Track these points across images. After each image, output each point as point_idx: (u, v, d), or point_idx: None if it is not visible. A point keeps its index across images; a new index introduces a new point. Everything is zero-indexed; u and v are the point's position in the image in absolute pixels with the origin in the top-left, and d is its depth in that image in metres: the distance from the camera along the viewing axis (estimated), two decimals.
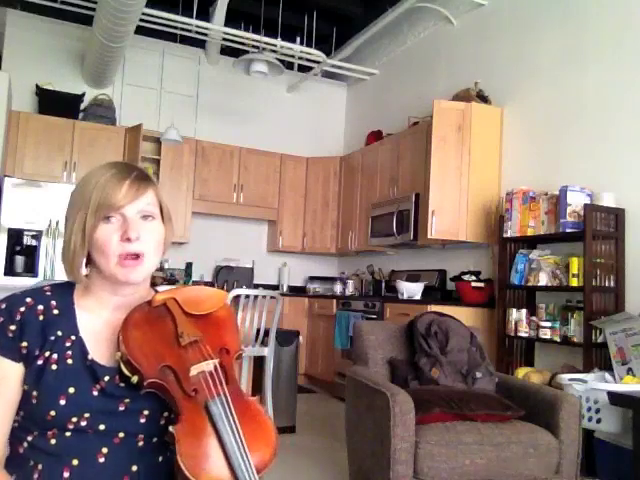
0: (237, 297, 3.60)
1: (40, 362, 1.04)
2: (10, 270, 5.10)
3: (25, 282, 4.87)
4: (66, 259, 1.10)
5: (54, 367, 1.04)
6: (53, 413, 1.01)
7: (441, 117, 4.49)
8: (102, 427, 1.02)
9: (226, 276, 6.19)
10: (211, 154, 6.18)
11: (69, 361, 1.05)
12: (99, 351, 1.09)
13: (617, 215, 3.55)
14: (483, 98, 4.59)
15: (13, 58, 5.65)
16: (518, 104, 4.46)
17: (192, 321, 1.10)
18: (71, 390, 1.02)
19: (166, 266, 5.94)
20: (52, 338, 1.06)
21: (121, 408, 1.04)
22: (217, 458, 0.95)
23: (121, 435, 1.03)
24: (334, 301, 5.56)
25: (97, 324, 1.11)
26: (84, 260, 1.10)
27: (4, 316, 1.06)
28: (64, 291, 1.13)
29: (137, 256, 1.07)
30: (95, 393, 1.04)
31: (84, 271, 1.12)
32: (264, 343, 3.73)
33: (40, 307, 1.08)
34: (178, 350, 1.05)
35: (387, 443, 2.22)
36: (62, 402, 1.01)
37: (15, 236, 5.13)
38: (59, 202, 5.23)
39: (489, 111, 4.55)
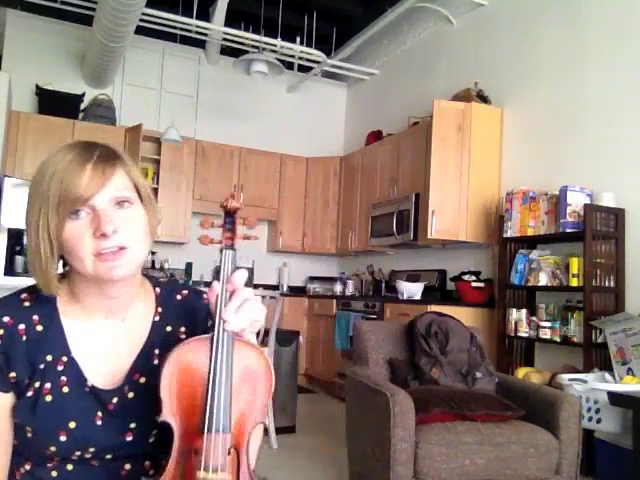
0: None
1: (30, 393, 0.91)
2: (10, 270, 5.10)
3: (25, 282, 4.87)
4: (36, 271, 0.92)
5: (48, 398, 0.91)
6: (53, 449, 0.90)
7: (441, 117, 4.49)
8: (109, 457, 0.94)
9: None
10: (211, 154, 6.18)
11: (65, 389, 0.92)
12: (98, 372, 0.96)
13: (617, 215, 3.55)
14: (483, 98, 4.59)
15: (13, 58, 5.64)
16: (518, 104, 4.46)
17: None
18: (72, 425, 0.90)
19: (166, 266, 5.94)
20: (42, 366, 0.92)
21: (129, 438, 0.94)
22: None
23: (127, 467, 0.96)
24: (334, 301, 5.56)
25: (90, 338, 0.96)
26: (58, 267, 0.94)
27: None
28: (47, 300, 0.95)
29: (119, 248, 0.90)
30: (99, 423, 0.93)
31: (59, 270, 0.96)
32: (264, 343, 3.73)
33: (21, 326, 0.93)
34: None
35: (387, 443, 2.22)
36: (62, 438, 0.90)
37: (15, 236, 5.13)
38: None
39: (489, 111, 4.55)
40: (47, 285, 0.92)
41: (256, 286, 6.24)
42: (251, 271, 6.44)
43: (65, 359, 0.94)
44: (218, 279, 0.93)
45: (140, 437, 0.95)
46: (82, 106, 5.78)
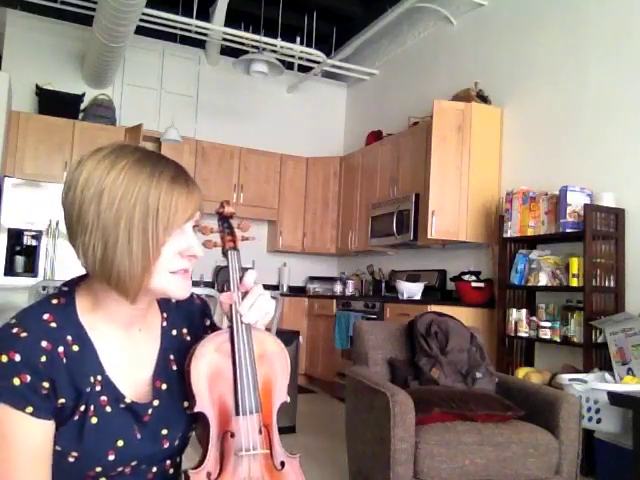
0: None
1: (76, 418, 0.90)
2: (10, 270, 5.10)
3: (25, 282, 4.87)
4: (134, 277, 0.89)
5: (94, 420, 0.90)
6: (99, 469, 0.91)
7: (441, 117, 4.49)
8: (143, 467, 0.98)
9: (226, 276, 6.18)
10: (211, 154, 6.18)
11: (107, 409, 0.92)
12: (129, 386, 0.97)
13: (617, 215, 3.55)
14: (483, 98, 4.59)
15: (13, 58, 5.65)
16: (518, 104, 4.46)
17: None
18: (120, 443, 0.92)
19: None
20: (88, 389, 0.91)
21: (165, 445, 0.99)
22: None
23: (154, 470, 1.00)
24: (334, 301, 5.56)
25: (115, 350, 0.96)
26: None
27: (28, 372, 0.84)
28: (68, 316, 0.93)
29: (187, 270, 0.96)
30: (139, 436, 0.95)
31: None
32: None
33: (61, 349, 0.89)
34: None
35: (387, 443, 2.22)
36: (111, 457, 0.91)
37: (15, 236, 5.13)
38: (59, 202, 5.23)
39: (489, 111, 4.55)
40: (135, 293, 0.91)
41: None
42: None
43: (100, 378, 0.93)
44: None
45: (172, 442, 1.00)
46: (82, 106, 5.78)
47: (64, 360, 0.88)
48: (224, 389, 0.98)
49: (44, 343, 0.87)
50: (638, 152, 3.51)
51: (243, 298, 1.01)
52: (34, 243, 5.18)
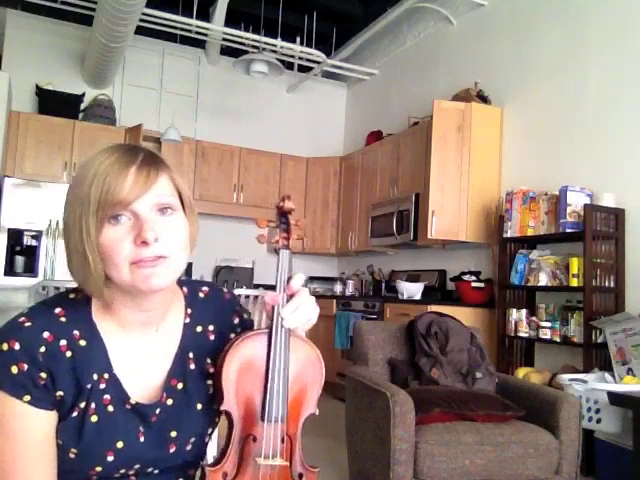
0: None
1: (75, 414, 0.88)
2: (10, 270, 5.10)
3: (25, 282, 4.88)
4: (87, 276, 0.86)
5: (94, 419, 0.88)
6: (99, 469, 0.89)
7: (441, 117, 4.49)
8: (149, 470, 0.94)
9: (226, 276, 6.19)
10: (211, 154, 6.18)
11: (110, 408, 0.90)
12: (138, 386, 0.94)
13: (617, 215, 3.54)
14: (483, 98, 4.59)
15: (13, 58, 5.64)
16: (518, 104, 4.45)
17: None
18: (119, 445, 0.89)
19: None
20: (89, 386, 0.88)
21: (172, 450, 0.95)
22: None
23: (156, 472, 0.96)
24: (334, 301, 5.55)
25: (127, 352, 0.93)
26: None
27: (26, 361, 0.84)
28: (81, 313, 0.91)
29: (158, 257, 0.86)
30: (142, 439, 0.92)
31: None
32: None
33: (63, 342, 0.87)
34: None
35: (387, 443, 2.22)
36: (110, 458, 0.88)
37: (15, 236, 5.13)
38: (59, 202, 5.21)
39: (489, 111, 4.55)
40: (99, 289, 0.87)
41: (256, 286, 6.24)
42: (251, 271, 6.45)
43: (107, 376, 0.91)
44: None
45: (181, 446, 0.96)
46: (82, 106, 5.79)
47: (67, 353, 0.87)
48: (253, 391, 0.95)
49: (46, 334, 0.86)
50: (638, 152, 3.51)
51: (288, 301, 0.97)
52: (34, 243, 5.18)
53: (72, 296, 0.93)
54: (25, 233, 5.17)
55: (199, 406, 0.97)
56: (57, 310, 0.90)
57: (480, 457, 2.24)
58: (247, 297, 3.62)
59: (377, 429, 2.34)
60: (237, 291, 3.62)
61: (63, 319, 0.89)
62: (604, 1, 3.85)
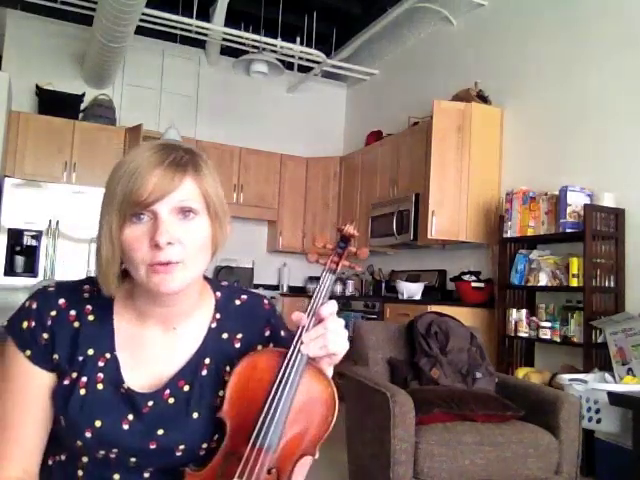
0: None
1: (67, 382, 0.91)
2: (10, 270, 5.10)
3: (25, 282, 4.88)
4: (98, 270, 0.90)
5: (82, 392, 0.91)
6: (79, 443, 0.90)
7: (441, 117, 4.49)
8: (133, 459, 0.92)
9: (226, 276, 6.19)
10: (211, 154, 6.16)
11: (99, 386, 0.91)
12: (137, 374, 0.94)
13: (617, 215, 3.54)
14: (483, 98, 4.59)
15: (13, 58, 5.64)
16: (518, 104, 4.45)
17: None
18: (98, 423, 0.89)
19: None
20: (80, 358, 0.92)
21: (152, 446, 0.91)
22: None
23: (150, 469, 0.94)
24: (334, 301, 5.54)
25: (137, 340, 0.95)
26: (118, 270, 0.90)
27: (35, 320, 0.92)
28: (104, 294, 0.94)
29: (169, 264, 0.86)
30: (126, 427, 0.91)
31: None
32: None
33: (72, 312, 0.93)
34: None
35: (387, 443, 2.22)
36: (88, 435, 0.89)
37: (15, 236, 5.13)
38: (59, 202, 5.23)
39: (489, 111, 4.55)
40: (106, 286, 0.91)
41: (256, 286, 6.25)
42: (251, 271, 6.45)
43: (108, 356, 0.93)
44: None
45: (165, 447, 0.92)
46: (82, 106, 5.78)
47: (75, 324, 0.93)
48: (252, 409, 0.90)
49: (61, 301, 0.94)
50: (638, 152, 3.51)
51: (316, 325, 0.92)
52: (34, 243, 5.17)
53: None
54: (25, 233, 5.16)
55: (195, 414, 0.94)
56: (86, 286, 0.97)
57: (480, 457, 2.24)
58: None
59: (377, 429, 2.34)
60: None
61: (86, 294, 0.96)
62: (604, 1, 3.85)
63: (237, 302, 1.04)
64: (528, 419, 2.43)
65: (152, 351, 0.95)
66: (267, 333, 1.04)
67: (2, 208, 5.10)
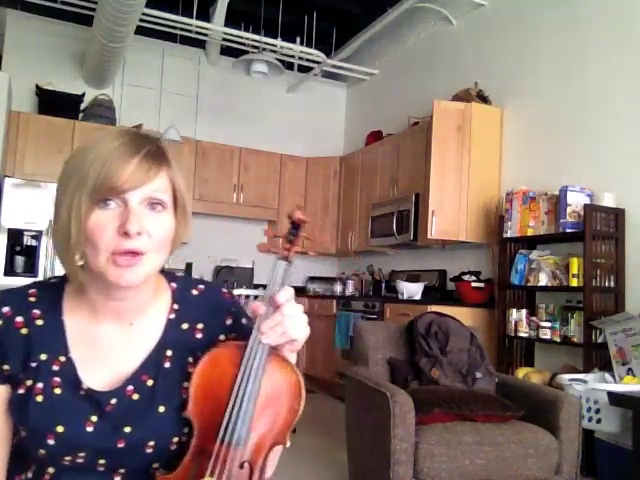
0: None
1: (22, 391, 0.88)
2: (10, 270, 5.10)
3: (25, 282, 4.86)
4: (63, 251, 0.88)
5: (39, 399, 0.88)
6: (43, 452, 0.87)
7: (441, 117, 4.49)
8: (102, 461, 0.90)
9: (226, 276, 6.19)
10: (211, 154, 6.18)
11: (57, 391, 0.89)
12: (96, 373, 0.92)
13: (617, 215, 3.54)
14: (483, 98, 4.59)
15: (13, 58, 5.64)
16: (518, 104, 4.45)
17: None
18: (59, 429, 0.86)
19: (166, 266, 5.93)
20: (33, 364, 0.89)
21: (120, 445, 0.89)
22: None
23: (122, 471, 0.91)
24: (334, 301, 5.55)
25: (92, 337, 0.92)
26: (80, 256, 0.88)
27: None
28: (52, 295, 0.93)
29: (135, 254, 0.85)
30: (90, 429, 0.88)
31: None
32: None
33: (19, 319, 0.90)
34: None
35: (387, 443, 2.22)
36: (50, 442, 0.86)
37: (15, 236, 5.13)
38: None
39: (489, 111, 4.55)
40: (71, 266, 0.88)
41: (256, 286, 6.24)
42: (251, 271, 6.45)
43: (63, 359, 0.90)
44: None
45: (134, 445, 0.90)
46: (82, 106, 5.78)
47: (23, 330, 0.90)
48: (217, 406, 0.89)
49: (6, 309, 0.90)
50: (638, 152, 3.51)
51: (273, 313, 0.90)
52: (34, 243, 5.17)
53: (53, 280, 0.97)
54: (25, 233, 5.16)
55: (161, 408, 0.92)
56: (31, 290, 0.94)
57: (480, 457, 2.24)
58: (247, 297, 3.63)
59: (377, 429, 2.34)
60: (237, 291, 3.63)
61: (32, 299, 0.93)
62: (604, 1, 3.85)
63: (194, 292, 1.03)
64: (528, 419, 2.43)
65: (109, 348, 0.93)
66: (229, 322, 1.02)
67: (2, 208, 5.10)
